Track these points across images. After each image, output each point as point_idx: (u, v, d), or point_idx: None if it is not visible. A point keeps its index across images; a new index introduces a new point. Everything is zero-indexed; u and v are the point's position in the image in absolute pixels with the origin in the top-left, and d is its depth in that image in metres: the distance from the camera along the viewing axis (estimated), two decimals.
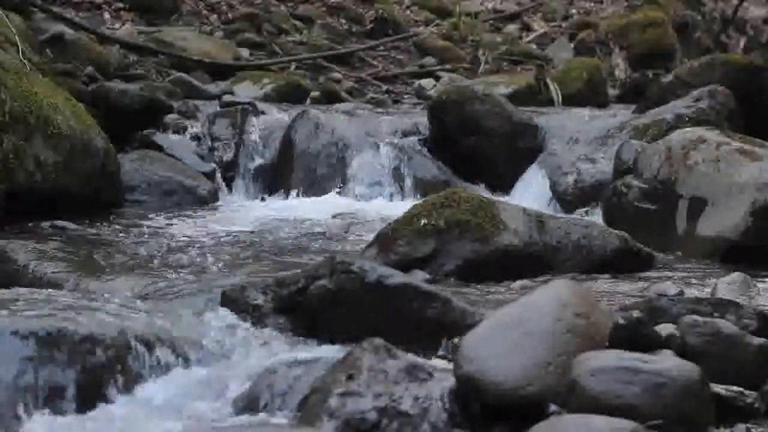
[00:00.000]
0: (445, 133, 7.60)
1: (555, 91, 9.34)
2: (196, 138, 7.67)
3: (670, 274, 5.07)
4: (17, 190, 6.08)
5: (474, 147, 7.51)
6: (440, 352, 3.68)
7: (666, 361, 3.15)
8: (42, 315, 3.60)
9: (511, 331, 3.24)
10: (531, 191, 7.13)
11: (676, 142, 5.85)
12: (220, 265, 5.21)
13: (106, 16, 10.45)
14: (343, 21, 11.57)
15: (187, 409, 3.34)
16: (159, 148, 7.41)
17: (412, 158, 7.50)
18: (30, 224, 5.93)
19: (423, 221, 4.98)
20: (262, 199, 7.41)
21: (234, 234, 6.01)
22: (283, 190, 7.43)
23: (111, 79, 8.50)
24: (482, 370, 3.15)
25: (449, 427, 3.15)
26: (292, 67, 10.15)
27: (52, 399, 3.31)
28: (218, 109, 8.08)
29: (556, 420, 3.00)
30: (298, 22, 11.21)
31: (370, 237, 5.23)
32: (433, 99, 8.27)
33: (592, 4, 12.79)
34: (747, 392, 3.27)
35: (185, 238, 5.85)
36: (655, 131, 6.87)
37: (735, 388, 3.26)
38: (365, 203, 7.13)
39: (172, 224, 6.23)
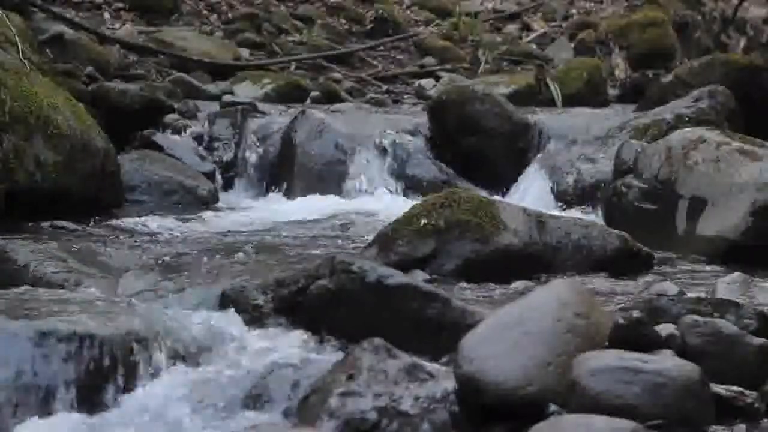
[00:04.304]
0: (445, 133, 7.59)
1: (555, 91, 9.33)
2: (196, 138, 7.67)
3: (670, 274, 5.06)
4: (17, 190, 6.08)
5: (474, 147, 7.50)
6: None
7: (666, 361, 3.15)
8: (41, 315, 3.60)
9: (511, 331, 3.24)
10: (531, 191, 7.12)
11: (676, 142, 5.84)
12: (220, 265, 5.20)
13: (106, 16, 10.45)
14: (343, 21, 11.57)
15: (187, 409, 3.34)
16: (159, 148, 7.41)
17: (412, 158, 7.49)
18: (30, 224, 5.92)
19: (423, 221, 4.98)
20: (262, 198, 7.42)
21: (234, 234, 6.01)
22: (283, 190, 7.43)
23: (111, 79, 8.50)
24: (482, 370, 3.15)
25: (449, 427, 3.15)
26: (292, 67, 10.15)
27: (50, 400, 3.30)
28: (218, 109, 8.08)
29: (556, 420, 3.01)
30: (298, 22, 11.21)
31: (370, 237, 5.23)
32: (433, 99, 8.26)
33: (592, 4, 12.78)
34: (747, 392, 3.27)
35: (185, 238, 5.84)
36: (655, 131, 6.87)
37: (735, 388, 3.26)
38: (365, 203, 7.12)
39: (172, 224, 6.22)
